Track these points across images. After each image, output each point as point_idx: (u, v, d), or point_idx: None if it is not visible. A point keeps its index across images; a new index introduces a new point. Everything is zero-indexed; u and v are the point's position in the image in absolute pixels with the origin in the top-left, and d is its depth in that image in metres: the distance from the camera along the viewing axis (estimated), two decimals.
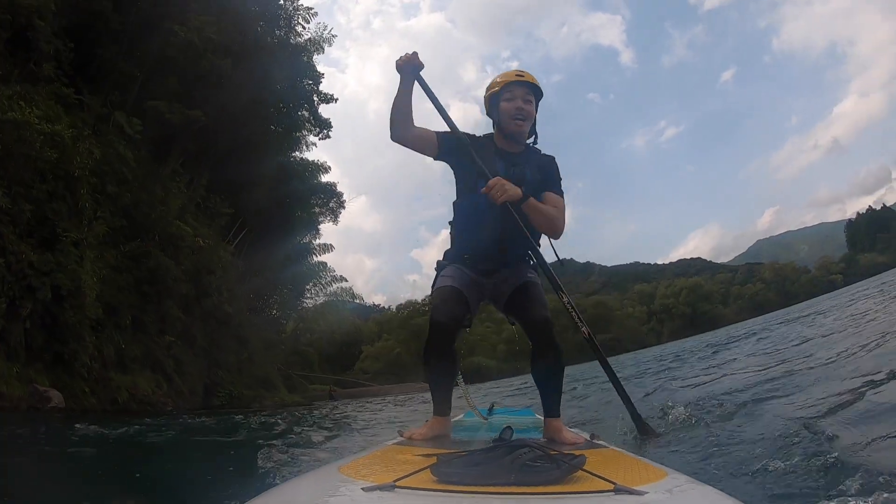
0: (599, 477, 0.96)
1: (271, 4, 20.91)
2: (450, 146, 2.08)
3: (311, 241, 28.83)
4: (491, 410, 3.32)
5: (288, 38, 20.28)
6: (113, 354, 11.12)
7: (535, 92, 2.09)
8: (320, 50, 21.81)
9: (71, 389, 9.66)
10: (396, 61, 2.01)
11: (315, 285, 31.63)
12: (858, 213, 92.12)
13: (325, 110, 22.14)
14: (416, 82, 2.03)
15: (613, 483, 0.91)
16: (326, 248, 29.65)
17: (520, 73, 2.09)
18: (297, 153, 24.46)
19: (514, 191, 1.89)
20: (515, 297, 2.05)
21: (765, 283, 77.67)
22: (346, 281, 32.89)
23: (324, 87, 20.63)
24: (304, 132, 21.39)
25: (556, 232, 2.04)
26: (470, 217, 2.07)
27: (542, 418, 2.04)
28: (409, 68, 2.00)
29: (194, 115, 13.31)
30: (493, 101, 2.12)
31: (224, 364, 15.91)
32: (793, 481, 1.65)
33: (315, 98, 20.10)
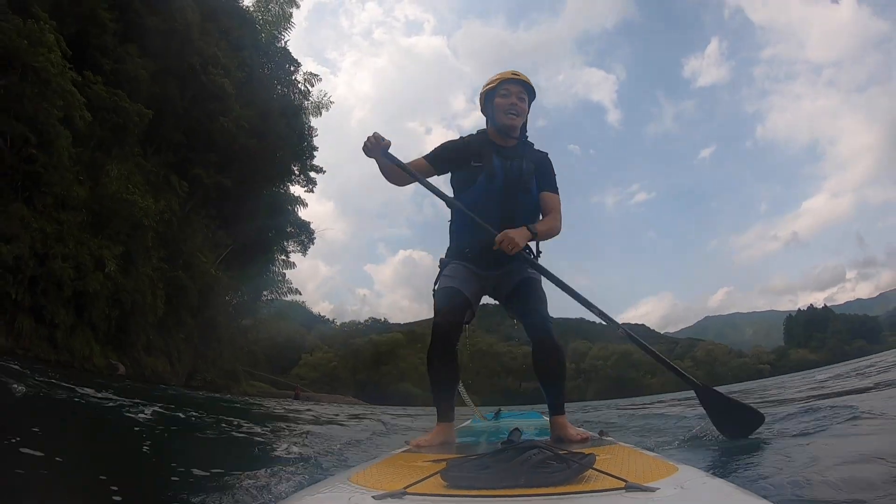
0: (610, 475, 0.96)
1: (285, 74, 26.85)
2: (443, 160, 2.18)
3: (277, 256, 34.43)
4: (497, 415, 3.40)
5: (300, 107, 26.17)
6: (146, 343, 16.52)
7: (529, 91, 2.23)
8: (318, 114, 28.13)
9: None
10: (364, 146, 2.09)
11: (272, 293, 37.08)
12: (800, 309, 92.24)
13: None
14: (386, 159, 2.10)
15: (624, 480, 0.92)
16: (289, 264, 35.28)
17: (515, 73, 2.20)
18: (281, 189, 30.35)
19: (522, 236, 1.97)
20: (516, 295, 2.10)
21: (694, 362, 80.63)
22: (300, 294, 38.26)
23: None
24: (296, 184, 27.31)
25: (555, 235, 2.15)
26: (471, 209, 2.08)
27: (548, 419, 2.10)
28: (379, 151, 2.10)
29: (224, 182, 18.99)
30: (489, 98, 2.23)
31: (204, 356, 21.25)
32: None
33: (308, 163, 26.18)
